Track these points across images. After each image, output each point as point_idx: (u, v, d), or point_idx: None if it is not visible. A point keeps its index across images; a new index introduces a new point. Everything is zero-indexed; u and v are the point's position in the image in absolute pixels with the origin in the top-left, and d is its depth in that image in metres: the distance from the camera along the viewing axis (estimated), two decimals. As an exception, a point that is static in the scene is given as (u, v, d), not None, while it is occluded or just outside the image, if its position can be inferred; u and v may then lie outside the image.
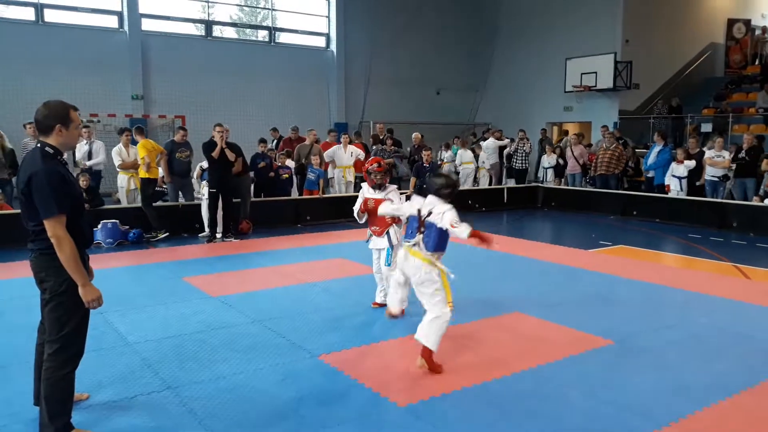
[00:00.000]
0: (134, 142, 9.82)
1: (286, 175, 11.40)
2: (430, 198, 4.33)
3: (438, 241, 4.21)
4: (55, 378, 3.14)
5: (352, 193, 12.16)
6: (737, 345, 4.86)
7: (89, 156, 10.74)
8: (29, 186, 3.05)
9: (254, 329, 5.14)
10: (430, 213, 4.24)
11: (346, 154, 12.00)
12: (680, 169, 11.60)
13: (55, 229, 3.04)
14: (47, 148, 3.15)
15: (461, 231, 4.08)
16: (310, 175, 11.37)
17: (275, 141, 13.71)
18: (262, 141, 11.72)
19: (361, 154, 12.33)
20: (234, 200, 10.11)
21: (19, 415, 3.55)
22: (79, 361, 3.28)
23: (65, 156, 3.28)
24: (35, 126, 3.22)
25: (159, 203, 10.05)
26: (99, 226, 8.96)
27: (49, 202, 3.03)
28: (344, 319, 5.49)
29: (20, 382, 4.00)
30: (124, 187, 10.23)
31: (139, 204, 9.65)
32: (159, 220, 9.46)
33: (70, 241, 3.07)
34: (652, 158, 12.34)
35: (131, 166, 9.89)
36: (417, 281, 4.25)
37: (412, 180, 11.14)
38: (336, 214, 11.48)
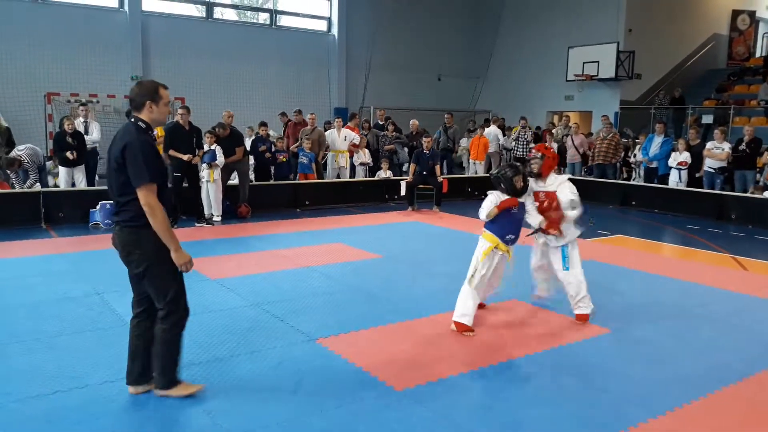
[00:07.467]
0: None
1: (284, 158, 11.36)
2: None
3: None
4: (167, 338, 3.44)
5: (349, 178, 12.17)
6: (734, 335, 4.88)
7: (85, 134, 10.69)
8: (124, 155, 3.21)
9: (252, 312, 5.14)
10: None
11: (339, 138, 11.95)
12: (678, 159, 11.60)
13: (147, 197, 3.20)
14: (140, 123, 3.37)
15: (481, 215, 4.85)
16: (303, 159, 11.33)
17: (284, 126, 13.60)
18: (263, 124, 11.67)
19: (356, 138, 12.28)
20: (231, 183, 10.11)
21: (14, 394, 3.55)
22: (187, 321, 3.51)
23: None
24: (130, 103, 3.44)
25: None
26: (98, 206, 8.93)
27: (142, 170, 3.20)
28: (342, 303, 5.49)
29: (17, 360, 4.02)
30: None
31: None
32: None
33: (161, 208, 3.25)
34: (654, 149, 12.30)
35: None
36: None
37: (412, 166, 11.11)
38: (335, 198, 11.48)
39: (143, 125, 3.38)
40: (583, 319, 5.10)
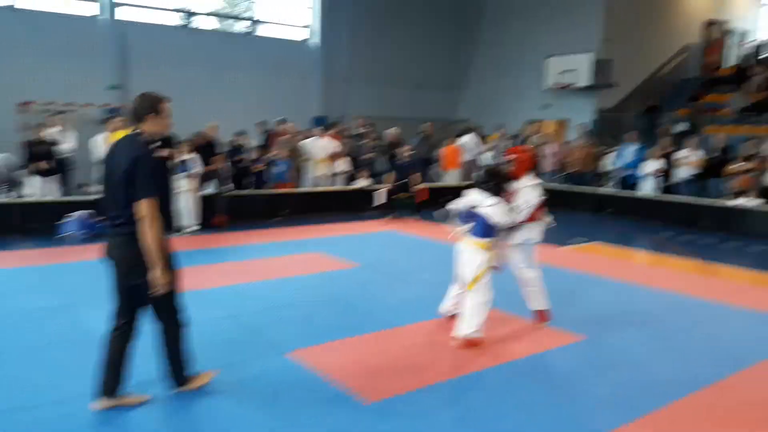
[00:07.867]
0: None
1: (260, 168, 11.34)
2: (477, 192, 4.79)
3: (484, 230, 4.71)
4: (175, 339, 3.67)
5: (328, 188, 12.17)
6: (704, 342, 4.97)
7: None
8: (135, 167, 3.26)
9: (228, 324, 5.11)
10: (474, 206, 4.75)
11: (318, 147, 11.95)
12: (652, 167, 11.82)
13: (149, 209, 3.27)
14: (143, 135, 3.42)
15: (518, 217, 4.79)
16: (278, 168, 11.31)
17: (264, 134, 13.52)
18: (241, 133, 11.64)
19: (335, 147, 12.28)
20: (208, 193, 10.06)
21: (7, 402, 3.54)
22: (186, 319, 3.71)
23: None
24: (131, 114, 3.49)
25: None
26: (71, 217, 8.79)
27: (149, 184, 3.28)
28: (319, 313, 5.49)
29: (12, 369, 4.02)
30: None
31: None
32: None
33: (159, 223, 3.32)
34: (628, 157, 12.49)
35: None
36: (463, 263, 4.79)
37: (391, 175, 11.14)
38: (313, 207, 11.46)
39: (147, 138, 3.41)
40: (545, 317, 5.21)
